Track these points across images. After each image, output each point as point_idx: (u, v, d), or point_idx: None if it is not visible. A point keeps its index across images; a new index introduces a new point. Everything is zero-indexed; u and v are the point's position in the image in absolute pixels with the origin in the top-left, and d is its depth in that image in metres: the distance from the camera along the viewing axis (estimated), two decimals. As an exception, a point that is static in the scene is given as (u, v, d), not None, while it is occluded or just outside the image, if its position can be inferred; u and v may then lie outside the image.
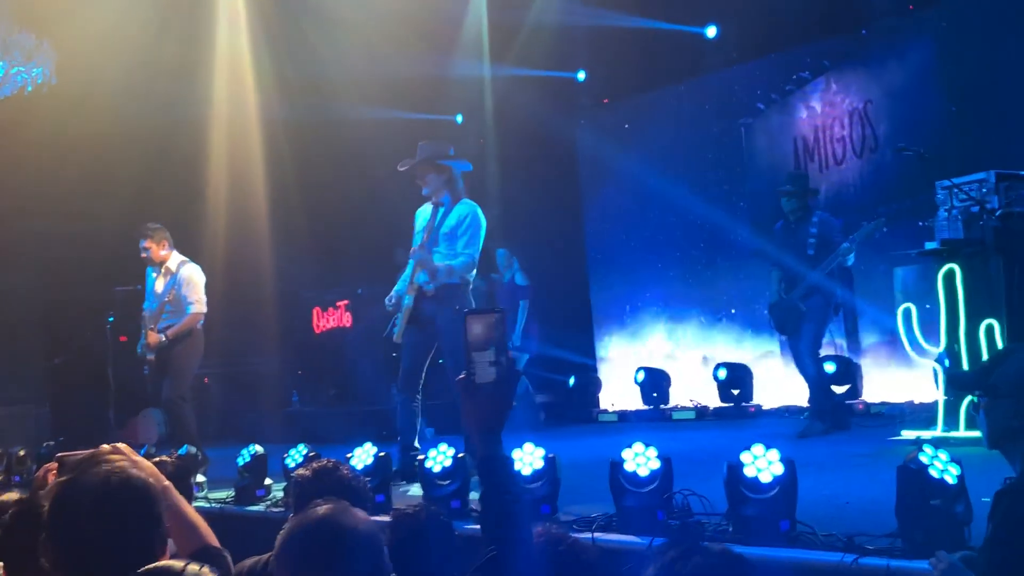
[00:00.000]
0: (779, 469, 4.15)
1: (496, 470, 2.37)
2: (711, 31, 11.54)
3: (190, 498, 4.48)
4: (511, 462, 2.64)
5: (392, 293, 7.27)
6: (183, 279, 8.23)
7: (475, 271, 7.19)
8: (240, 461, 6.74)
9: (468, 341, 2.37)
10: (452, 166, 7.22)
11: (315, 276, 12.68)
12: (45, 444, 9.20)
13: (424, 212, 7.27)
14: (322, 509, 2.28)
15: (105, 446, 2.55)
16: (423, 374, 7.11)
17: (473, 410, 2.35)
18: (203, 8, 11.43)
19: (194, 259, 8.55)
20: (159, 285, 8.33)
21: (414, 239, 7.24)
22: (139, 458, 2.54)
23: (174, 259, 8.35)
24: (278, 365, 13.01)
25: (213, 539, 2.88)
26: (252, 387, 12.64)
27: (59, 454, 2.56)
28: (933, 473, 3.77)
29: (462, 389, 2.37)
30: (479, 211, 7.15)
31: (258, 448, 6.74)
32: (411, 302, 7.07)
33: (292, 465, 6.35)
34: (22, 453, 8.36)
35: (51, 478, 2.51)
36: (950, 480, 3.78)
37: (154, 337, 8.14)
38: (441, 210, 7.16)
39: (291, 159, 12.57)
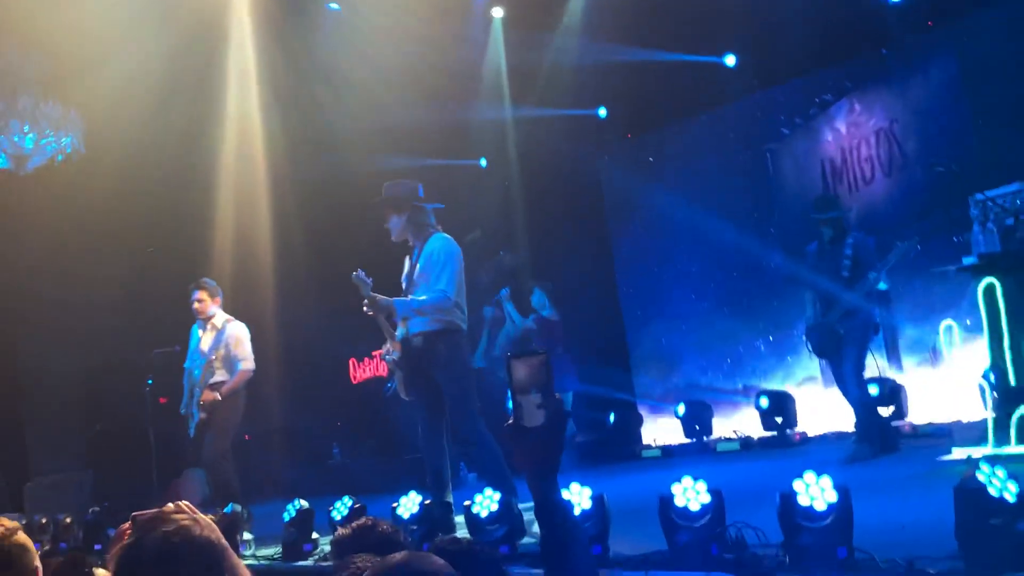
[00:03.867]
0: (833, 496, 4.09)
1: (556, 514, 2.33)
2: (730, 60, 11.55)
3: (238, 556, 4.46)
4: (570, 505, 2.60)
5: (386, 345, 6.95)
6: (231, 336, 8.26)
7: (459, 311, 6.73)
8: (286, 516, 6.73)
9: (513, 384, 2.35)
10: (417, 205, 6.82)
11: (347, 328, 12.70)
12: (91, 510, 9.23)
13: (407, 259, 6.99)
14: (400, 556, 2.25)
15: (170, 505, 2.55)
16: (445, 423, 6.81)
17: (524, 455, 2.32)
18: (214, 68, 11.56)
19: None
20: (205, 343, 8.36)
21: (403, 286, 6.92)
22: (201, 516, 2.54)
23: (220, 317, 8.40)
24: (317, 418, 13.03)
25: None
26: (292, 442, 12.67)
27: (134, 513, 2.57)
28: (992, 492, 3.70)
29: (511, 434, 2.34)
30: (450, 242, 6.76)
31: (303, 503, 6.72)
32: (398, 356, 6.75)
33: (338, 518, 6.34)
34: (68, 520, 8.39)
35: (126, 537, 2.51)
36: (1009, 498, 3.71)
37: (209, 395, 8.15)
38: (415, 253, 6.84)
39: (298, 215, 12.63)
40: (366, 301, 6.65)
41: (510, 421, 2.36)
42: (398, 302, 6.66)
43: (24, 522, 8.12)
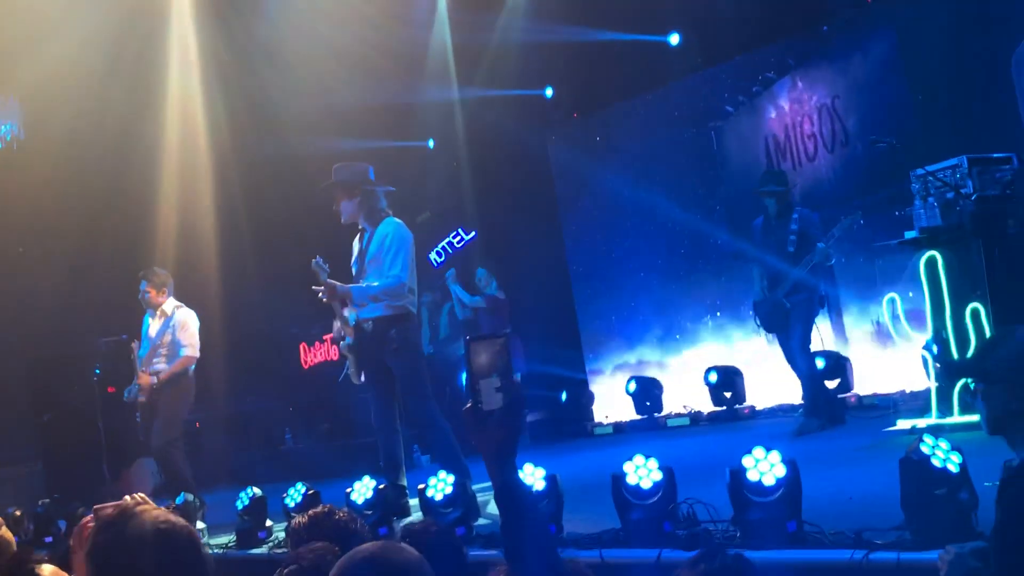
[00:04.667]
0: (782, 471, 4.16)
1: (516, 498, 2.35)
2: (674, 39, 11.61)
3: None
4: (529, 489, 2.61)
5: (335, 327, 6.92)
6: (177, 323, 8.20)
7: (411, 295, 6.71)
8: (239, 504, 6.69)
9: (472, 368, 2.35)
10: (368, 188, 6.77)
11: (297, 312, 12.63)
12: (41, 502, 9.10)
13: (355, 243, 6.96)
14: (370, 546, 2.25)
15: (128, 498, 2.55)
16: (397, 407, 6.82)
17: (483, 439, 2.33)
18: (154, 49, 11.37)
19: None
20: (153, 329, 8.29)
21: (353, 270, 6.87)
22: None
23: (169, 304, 8.32)
24: (268, 404, 12.95)
25: None
26: (244, 428, 12.59)
27: (95, 506, 2.56)
28: (935, 463, 3.79)
29: (469, 418, 2.35)
30: (401, 227, 6.73)
31: (256, 490, 6.70)
32: (352, 342, 6.72)
33: (292, 505, 6.32)
34: (18, 513, 8.26)
35: (87, 532, 2.51)
36: (952, 469, 3.80)
37: (145, 378, 8.08)
38: (366, 237, 6.82)
39: (243, 197, 12.50)
40: (324, 288, 6.62)
41: (468, 405, 2.37)
42: (355, 288, 6.63)
43: (-28, 516, 8.03)
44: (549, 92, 13.11)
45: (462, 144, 13.33)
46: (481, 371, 2.34)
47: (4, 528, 3.27)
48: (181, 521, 2.42)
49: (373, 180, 6.90)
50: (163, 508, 2.49)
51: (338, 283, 6.66)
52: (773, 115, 11.03)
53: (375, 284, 6.59)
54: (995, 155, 6.94)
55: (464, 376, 10.20)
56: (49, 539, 7.76)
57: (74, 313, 11.78)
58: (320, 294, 6.71)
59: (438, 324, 11.82)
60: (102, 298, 11.13)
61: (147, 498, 2.64)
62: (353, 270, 6.92)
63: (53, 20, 10.10)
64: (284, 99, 11.83)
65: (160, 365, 8.21)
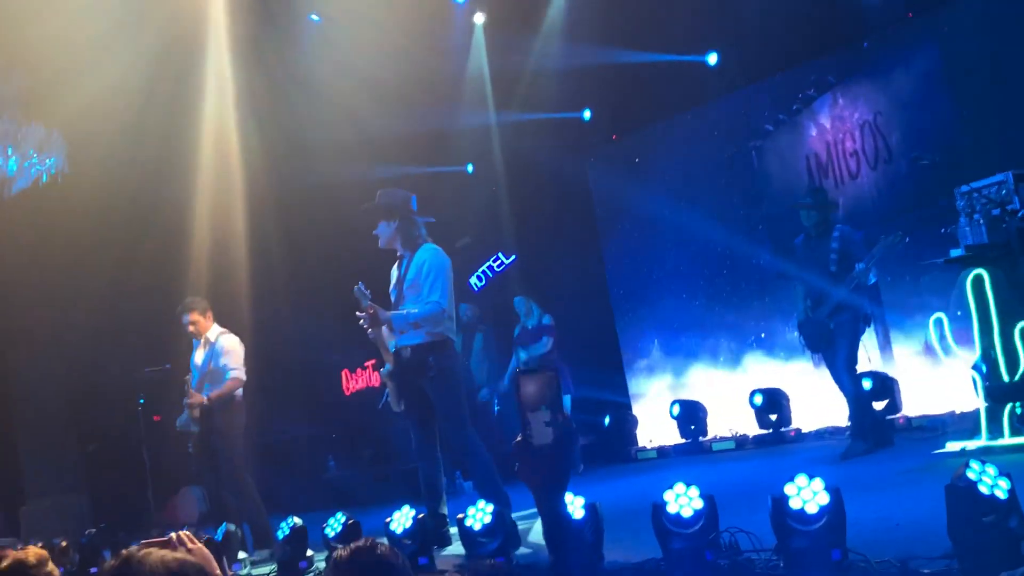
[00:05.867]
0: (825, 498, 4.07)
1: (566, 536, 2.30)
2: (712, 58, 11.54)
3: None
4: (575, 523, 2.53)
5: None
6: (221, 349, 8.20)
7: (450, 322, 6.71)
8: (280, 534, 6.69)
9: (521, 401, 2.32)
10: (408, 217, 6.80)
11: (340, 339, 12.65)
12: (87, 532, 9.16)
13: (394, 270, 6.97)
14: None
15: (173, 535, 2.55)
16: (437, 434, 6.77)
17: (533, 473, 2.29)
18: (191, 79, 11.46)
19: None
20: (199, 357, 8.30)
21: (391, 297, 6.88)
22: (194, 546, 2.52)
23: (213, 331, 8.33)
24: (311, 431, 12.98)
25: None
26: (287, 456, 12.61)
27: (143, 541, 2.56)
28: (983, 489, 3.69)
29: (519, 452, 2.31)
30: (440, 253, 6.75)
31: (296, 520, 6.68)
32: (391, 369, 6.74)
33: (332, 535, 6.31)
34: (64, 544, 8.33)
35: None
36: (1000, 495, 3.70)
37: (197, 397, 8.04)
38: (404, 263, 6.84)
39: (278, 226, 12.49)
40: (366, 314, 6.62)
41: (519, 438, 2.33)
42: (395, 315, 6.62)
43: (20, 546, 8.08)
44: (587, 115, 13.08)
45: (501, 168, 13.34)
46: (530, 404, 2.31)
47: (50, 564, 3.26)
48: (190, 560, 2.38)
49: (415, 209, 6.93)
50: (180, 548, 2.47)
51: (380, 308, 6.66)
52: (814, 133, 10.91)
53: (415, 311, 6.57)
54: (1041, 170, 6.80)
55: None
56: (95, 569, 7.78)
57: (114, 342, 11.88)
58: (362, 321, 6.71)
59: (470, 350, 11.74)
60: (140, 327, 11.22)
61: (189, 536, 2.63)
62: (392, 297, 6.92)
63: (93, 53, 10.21)
64: (319, 128, 11.88)
65: (208, 392, 8.22)
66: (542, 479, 2.26)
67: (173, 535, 2.62)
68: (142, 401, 10.28)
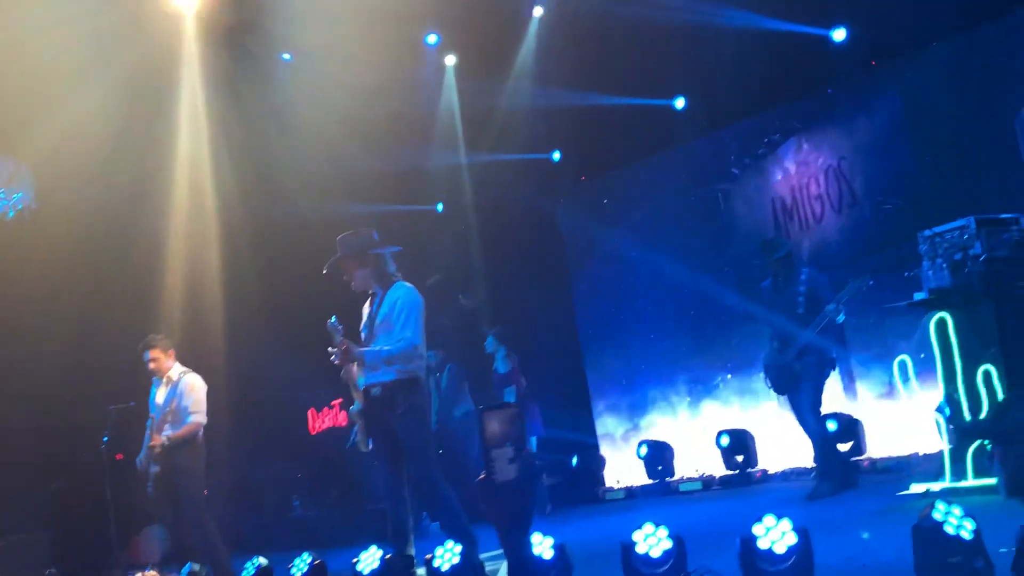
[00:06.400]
0: (793, 539, 4.10)
1: (531, 573, 2.31)
2: (680, 103, 11.71)
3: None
4: (543, 561, 2.55)
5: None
6: (184, 388, 8.14)
7: (422, 360, 6.63)
8: (244, 575, 6.61)
9: (485, 438, 2.33)
10: (377, 253, 6.73)
11: (306, 377, 12.56)
12: (48, 571, 9.02)
13: (366, 307, 6.88)
14: None
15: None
16: (405, 474, 6.57)
17: (497, 510, 2.30)
18: (164, 116, 11.44)
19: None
20: (160, 396, 8.22)
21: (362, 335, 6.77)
22: None
23: (176, 370, 8.27)
24: (276, 471, 12.84)
25: None
26: (251, 495, 12.48)
27: None
28: (949, 530, 3.74)
29: (482, 489, 2.32)
30: (413, 291, 6.67)
31: (262, 560, 6.61)
32: (359, 407, 6.64)
33: (298, 575, 6.24)
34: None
35: None
36: (966, 535, 3.74)
37: (158, 439, 7.97)
38: (376, 301, 6.75)
39: (251, 265, 12.47)
40: (339, 349, 6.59)
41: (482, 476, 2.34)
42: (368, 352, 6.56)
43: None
44: (557, 156, 13.21)
45: (470, 208, 13.42)
46: (494, 441, 2.32)
47: None
48: None
49: (378, 241, 6.87)
50: None
51: (352, 344, 6.62)
52: (780, 177, 11.07)
53: (387, 348, 6.56)
54: (1003, 216, 6.93)
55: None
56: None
57: (82, 380, 11.73)
58: (333, 356, 6.66)
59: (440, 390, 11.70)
60: (110, 365, 11.09)
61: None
62: (363, 334, 6.87)
63: (65, 87, 10.18)
64: (293, 164, 11.91)
65: (169, 432, 8.15)
66: (506, 516, 2.27)
67: (138, 575, 2.62)
68: (106, 439, 10.15)
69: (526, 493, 2.03)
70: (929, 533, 3.76)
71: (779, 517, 4.17)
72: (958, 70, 9.31)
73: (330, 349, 6.59)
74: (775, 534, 4.13)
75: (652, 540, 4.51)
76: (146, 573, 2.55)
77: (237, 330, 12.21)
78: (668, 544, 4.49)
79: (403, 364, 6.53)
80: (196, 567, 6.97)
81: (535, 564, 2.33)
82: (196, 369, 8.51)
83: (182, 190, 11.73)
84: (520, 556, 2.29)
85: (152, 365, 8.23)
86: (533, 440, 10.77)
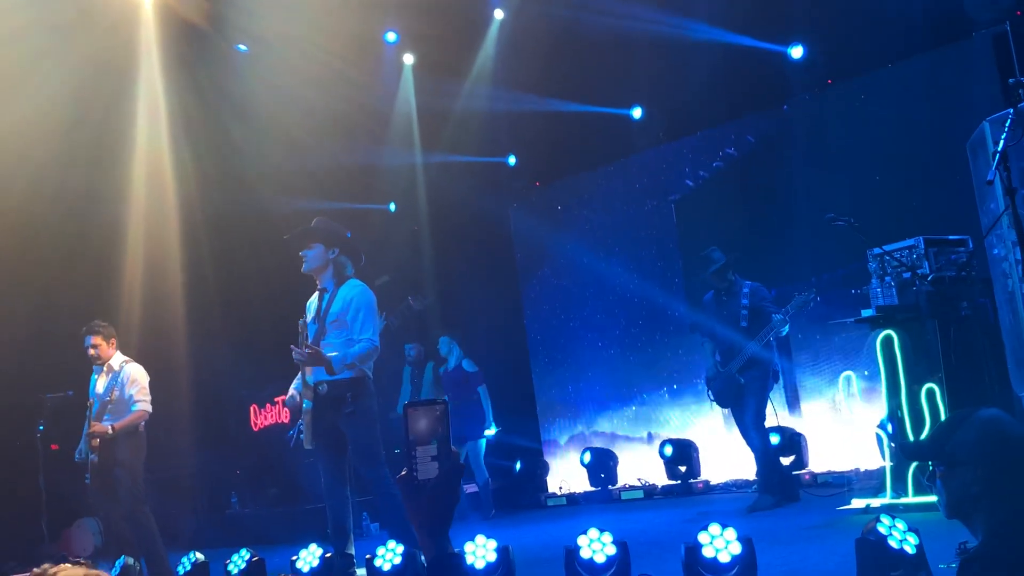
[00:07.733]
0: (737, 548, 4.10)
1: (448, 572, 2.26)
2: (636, 112, 11.75)
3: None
4: (463, 559, 2.54)
5: (290, 391, 6.75)
6: (127, 378, 7.99)
7: (372, 360, 6.62)
8: (180, 571, 6.50)
9: (410, 435, 2.27)
10: (347, 248, 6.73)
11: (251, 373, 12.41)
12: (-26, 562, 8.80)
13: (312, 302, 6.80)
14: None
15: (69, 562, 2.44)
16: (347, 474, 6.64)
17: (417, 508, 2.25)
18: (122, 105, 11.25)
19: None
20: (100, 385, 8.07)
21: (309, 331, 6.65)
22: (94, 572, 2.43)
23: (117, 358, 8.13)
24: (215, 466, 12.66)
25: None
26: (189, 490, 12.29)
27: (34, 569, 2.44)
28: (892, 544, 3.75)
29: (403, 487, 2.27)
30: (367, 290, 6.65)
31: (199, 555, 6.51)
32: (310, 405, 6.54)
33: (235, 571, 6.15)
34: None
35: None
36: (909, 550, 3.76)
37: (100, 427, 7.80)
38: (326, 296, 6.69)
39: (210, 254, 12.33)
40: (306, 351, 6.46)
41: (403, 473, 2.29)
42: (335, 358, 6.41)
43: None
44: (512, 160, 13.19)
45: (423, 209, 13.34)
46: (419, 438, 2.27)
47: None
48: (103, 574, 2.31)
49: (351, 240, 6.89)
50: (95, 571, 2.38)
51: (320, 350, 6.49)
52: (729, 191, 11.12)
53: (352, 352, 6.46)
54: (951, 237, 7.04)
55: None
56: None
57: (29, 370, 11.49)
58: (296, 355, 6.54)
59: (420, 383, 11.62)
60: (61, 356, 10.88)
61: (88, 564, 2.54)
62: (310, 330, 6.77)
63: (18, 77, 9.99)
64: (253, 155, 11.77)
65: (112, 421, 7.99)
66: (425, 514, 2.22)
67: (68, 565, 2.53)
68: (41, 428, 9.93)
69: (448, 491, 1.99)
70: (873, 546, 3.77)
71: (724, 526, 4.17)
72: (912, 91, 9.44)
73: (293, 348, 6.47)
74: (720, 543, 4.13)
75: (596, 545, 4.49)
76: (76, 564, 2.45)
77: (195, 323, 12.06)
78: (612, 550, 4.48)
79: (360, 363, 6.48)
80: (130, 561, 6.82)
81: (454, 562, 2.27)
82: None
83: (140, 179, 11.56)
84: (437, 555, 2.23)
85: (92, 352, 8.08)
86: (482, 443, 10.80)
